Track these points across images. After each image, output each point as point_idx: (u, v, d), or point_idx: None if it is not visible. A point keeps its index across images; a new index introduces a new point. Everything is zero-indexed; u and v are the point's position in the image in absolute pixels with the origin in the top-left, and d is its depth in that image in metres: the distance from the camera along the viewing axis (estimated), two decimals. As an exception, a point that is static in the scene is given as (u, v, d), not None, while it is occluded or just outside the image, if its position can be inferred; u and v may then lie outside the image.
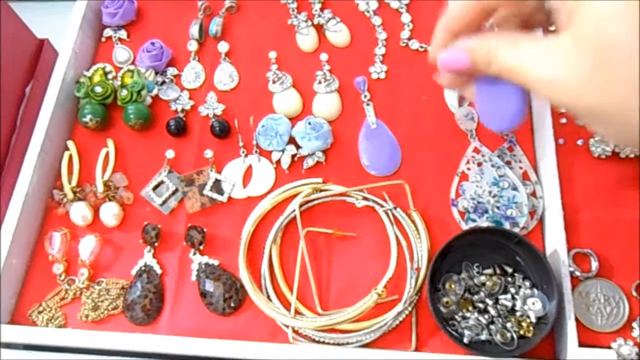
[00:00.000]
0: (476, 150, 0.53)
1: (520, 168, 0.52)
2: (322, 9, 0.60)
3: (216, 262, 0.50)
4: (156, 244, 0.51)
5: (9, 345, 0.47)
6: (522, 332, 0.45)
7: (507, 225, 0.49)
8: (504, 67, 0.33)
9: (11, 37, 0.60)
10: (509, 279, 0.47)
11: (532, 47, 0.31)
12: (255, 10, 0.62)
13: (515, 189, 0.51)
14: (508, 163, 0.52)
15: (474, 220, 0.51)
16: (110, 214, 0.51)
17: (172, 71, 0.58)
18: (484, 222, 0.50)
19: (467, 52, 0.36)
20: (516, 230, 0.49)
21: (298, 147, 0.53)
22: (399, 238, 0.49)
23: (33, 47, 0.66)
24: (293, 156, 0.53)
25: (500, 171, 0.52)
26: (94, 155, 0.54)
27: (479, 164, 0.53)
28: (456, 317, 0.46)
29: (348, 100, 0.56)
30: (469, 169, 0.53)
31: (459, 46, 0.36)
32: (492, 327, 0.45)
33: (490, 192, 0.51)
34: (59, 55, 0.57)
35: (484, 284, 0.46)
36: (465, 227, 0.50)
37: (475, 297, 0.46)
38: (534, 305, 0.45)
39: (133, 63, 0.59)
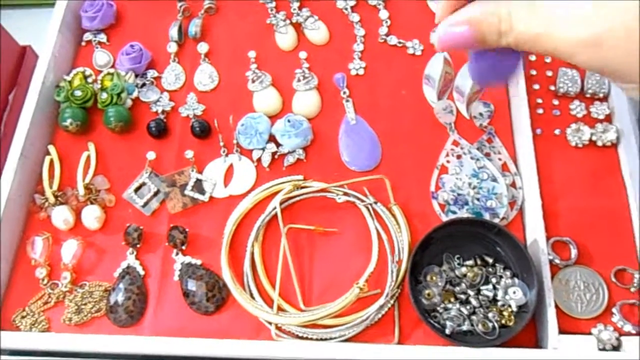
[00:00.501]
0: (455, 143, 0.54)
1: (500, 159, 0.53)
2: (300, 8, 0.60)
3: (199, 262, 0.50)
4: (138, 246, 0.51)
5: (-6, 351, 0.47)
6: (503, 321, 0.45)
7: (487, 216, 0.50)
8: (523, 37, 0.29)
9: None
10: (490, 269, 0.47)
11: (556, 8, 0.27)
12: (234, 10, 0.62)
13: (494, 180, 0.51)
14: (487, 155, 0.53)
15: (454, 212, 0.51)
16: (92, 217, 0.51)
17: (152, 73, 0.59)
18: (464, 214, 0.50)
19: (471, 26, 0.30)
20: (496, 220, 0.49)
21: (278, 145, 0.54)
22: (380, 232, 0.50)
23: (15, 54, 0.66)
24: (273, 154, 0.54)
25: (480, 163, 0.52)
26: (75, 159, 0.55)
27: (458, 157, 0.53)
28: (438, 308, 0.46)
29: (327, 97, 0.57)
30: (448, 161, 0.53)
31: (460, 19, 0.30)
32: (473, 317, 0.45)
33: (470, 184, 0.51)
34: (38, 59, 0.57)
35: (465, 275, 0.47)
36: (445, 219, 0.51)
37: (457, 288, 0.46)
38: (514, 295, 0.45)
39: (113, 66, 0.59)
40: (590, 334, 0.44)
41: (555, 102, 0.54)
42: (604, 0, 0.26)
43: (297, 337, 0.47)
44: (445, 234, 0.48)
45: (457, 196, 0.51)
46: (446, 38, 0.31)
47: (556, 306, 0.45)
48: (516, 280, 0.46)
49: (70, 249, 0.50)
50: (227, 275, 0.48)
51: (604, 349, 0.44)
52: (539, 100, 0.54)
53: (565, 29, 0.27)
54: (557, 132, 0.52)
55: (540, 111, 0.53)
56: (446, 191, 0.52)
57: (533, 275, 0.44)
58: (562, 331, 0.44)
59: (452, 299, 0.46)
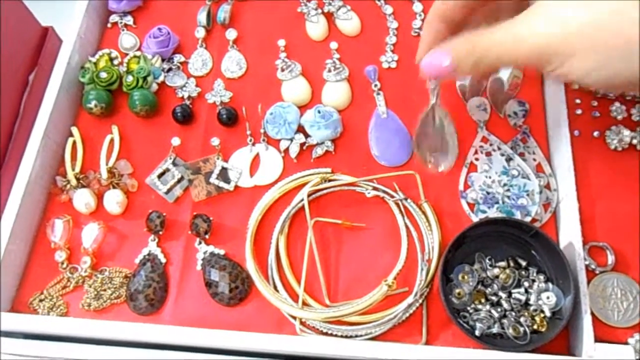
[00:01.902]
0: (484, 140, 0.52)
1: (534, 160, 0.51)
2: (332, -3, 0.59)
3: (222, 252, 0.49)
4: (161, 233, 0.49)
5: (9, 334, 0.46)
6: (535, 326, 0.44)
7: (518, 215, 0.48)
8: (485, 50, 0.38)
9: (15, 25, 0.59)
10: (523, 272, 0.45)
11: (508, 24, 0.37)
12: (264, -3, 0.61)
13: (526, 177, 0.50)
14: (521, 155, 0.51)
15: (484, 212, 0.49)
16: (114, 201, 0.50)
17: (178, 58, 0.57)
18: (494, 213, 0.49)
19: (449, 52, 0.40)
20: (528, 219, 0.48)
21: (307, 135, 0.52)
22: (410, 229, 0.48)
23: (37, 34, 0.65)
24: (301, 145, 0.52)
25: (511, 160, 0.51)
26: (98, 142, 0.53)
27: (488, 154, 0.52)
28: (468, 309, 0.44)
29: (358, 90, 0.55)
30: (477, 159, 0.52)
31: (440, 48, 0.40)
32: (504, 320, 0.44)
33: (500, 182, 0.50)
34: (63, 40, 0.56)
35: (497, 277, 0.45)
36: (475, 219, 0.49)
37: (488, 289, 0.45)
38: (548, 300, 0.44)
39: (139, 49, 0.58)
40: (626, 343, 0.43)
41: (594, 103, 0.52)
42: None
43: (322, 333, 0.45)
44: (479, 233, 0.46)
45: (487, 195, 0.50)
46: (429, 64, 0.41)
47: (591, 314, 0.43)
48: (550, 285, 0.44)
49: (91, 233, 0.49)
50: (251, 266, 0.47)
51: (640, 359, 0.42)
52: (578, 101, 0.52)
53: (514, 35, 0.36)
54: (595, 134, 0.51)
55: (579, 112, 0.52)
56: (475, 190, 0.50)
57: (569, 281, 0.43)
58: (597, 339, 0.42)
59: (483, 300, 0.45)
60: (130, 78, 0.54)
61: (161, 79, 0.56)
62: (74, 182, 0.51)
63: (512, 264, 0.46)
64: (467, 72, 0.41)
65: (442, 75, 0.42)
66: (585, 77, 0.36)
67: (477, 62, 0.39)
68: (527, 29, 0.36)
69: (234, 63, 0.57)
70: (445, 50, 0.40)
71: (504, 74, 0.53)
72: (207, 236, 0.49)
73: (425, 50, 0.43)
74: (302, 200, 0.49)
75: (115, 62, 0.57)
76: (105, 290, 0.48)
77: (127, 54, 0.57)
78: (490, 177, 0.50)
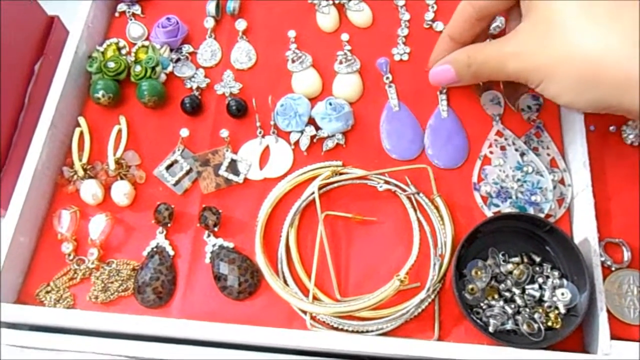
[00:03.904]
0: (499, 134, 0.52)
1: (548, 155, 0.50)
2: (343, -12, 0.58)
3: (231, 245, 0.48)
4: (169, 225, 0.49)
5: (15, 326, 0.45)
6: (549, 323, 0.43)
7: (531, 211, 0.48)
8: (480, 64, 0.44)
9: (21, 14, 0.58)
10: (537, 268, 0.45)
11: (499, 42, 0.43)
12: (274, -12, 0.60)
13: (539, 173, 0.49)
14: (535, 149, 0.50)
15: (496, 206, 0.49)
16: (121, 192, 0.50)
17: (187, 48, 0.56)
18: (507, 208, 0.48)
19: (450, 64, 0.46)
20: (541, 216, 0.47)
21: (317, 128, 0.52)
22: (422, 223, 0.48)
23: (43, 24, 0.64)
24: (312, 137, 0.51)
25: (525, 155, 0.50)
26: (106, 132, 0.53)
27: (502, 148, 0.51)
28: (481, 305, 0.44)
29: (369, 82, 0.54)
30: (491, 152, 0.51)
31: (443, 61, 0.48)
32: (518, 317, 0.43)
33: (513, 177, 0.49)
34: (71, 29, 0.55)
35: (510, 273, 0.44)
36: (488, 212, 0.48)
37: (502, 285, 0.44)
38: (563, 297, 0.43)
39: (147, 39, 0.57)
40: (643, 340, 0.42)
41: (611, 97, 0.51)
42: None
43: (332, 328, 0.45)
44: (492, 229, 0.45)
45: (500, 189, 0.49)
46: (435, 74, 0.49)
47: (607, 311, 0.42)
48: (565, 281, 0.44)
49: (98, 225, 0.48)
50: (260, 260, 0.47)
51: (657, 357, 0.42)
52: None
53: (504, 50, 0.43)
54: (611, 129, 0.50)
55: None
56: (489, 183, 0.49)
57: (585, 278, 0.42)
58: (612, 337, 0.42)
59: (496, 296, 0.44)
60: (138, 68, 0.54)
61: (170, 69, 0.55)
62: (81, 173, 0.51)
63: (526, 259, 0.45)
64: (469, 82, 0.48)
65: (448, 84, 0.49)
66: (557, 98, 0.41)
67: (475, 74, 0.45)
68: (511, 49, 0.41)
69: (243, 54, 0.56)
70: (448, 62, 0.47)
71: None
72: (216, 229, 0.48)
73: (434, 62, 0.50)
74: (313, 193, 0.48)
75: (123, 51, 0.56)
76: (112, 282, 0.47)
77: (135, 44, 0.56)
78: (504, 172, 0.50)
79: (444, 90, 0.53)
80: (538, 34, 0.40)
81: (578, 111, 0.49)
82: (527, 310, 0.43)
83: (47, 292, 0.47)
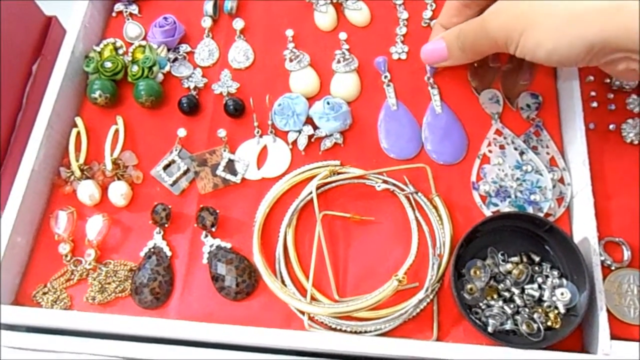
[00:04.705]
0: (498, 133, 0.51)
1: (548, 154, 0.50)
2: (341, -13, 0.58)
3: (229, 245, 0.48)
4: (166, 225, 0.49)
5: (12, 327, 0.45)
6: (549, 323, 0.43)
7: (530, 210, 0.47)
8: (466, 32, 0.45)
9: (18, 14, 0.58)
10: (536, 267, 0.44)
11: (485, 12, 0.44)
12: (272, -13, 0.59)
13: (539, 172, 0.49)
14: (534, 148, 0.50)
15: (495, 205, 0.48)
16: (118, 193, 0.49)
17: (184, 48, 0.56)
18: (506, 207, 0.48)
19: (442, 40, 0.48)
20: (540, 215, 0.47)
21: (315, 127, 0.51)
22: (421, 223, 0.47)
23: (41, 24, 0.64)
24: (310, 137, 0.51)
25: (524, 154, 0.50)
26: (103, 133, 0.52)
27: (501, 147, 0.50)
28: (480, 305, 0.44)
29: (368, 81, 0.54)
30: (490, 151, 0.51)
31: (435, 38, 0.49)
32: (517, 317, 0.43)
33: (512, 176, 0.49)
34: (67, 29, 0.55)
35: (509, 272, 0.44)
36: (487, 211, 0.48)
37: (501, 285, 0.44)
38: (562, 296, 0.43)
39: (144, 39, 0.57)
40: (643, 340, 0.42)
41: (610, 95, 0.51)
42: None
43: (330, 328, 0.44)
44: (491, 228, 0.45)
45: (499, 188, 0.49)
46: (428, 50, 0.50)
47: (607, 310, 0.42)
48: (564, 281, 0.43)
49: (95, 225, 0.48)
50: (258, 260, 0.46)
51: (657, 357, 0.41)
52: (593, 93, 0.51)
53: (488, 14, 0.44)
54: (611, 127, 0.50)
55: (594, 105, 0.51)
56: (488, 182, 0.49)
57: (584, 277, 0.42)
58: (612, 337, 0.41)
59: (495, 296, 0.44)
60: (135, 68, 0.53)
61: (167, 69, 0.55)
62: (78, 173, 0.50)
63: (525, 259, 0.45)
64: (457, 56, 0.48)
65: (437, 61, 0.50)
66: (539, 47, 0.40)
67: (462, 45, 0.46)
68: (492, 9, 0.43)
69: (241, 53, 0.56)
70: (440, 37, 0.49)
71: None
72: (213, 229, 0.48)
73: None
74: (311, 193, 0.48)
75: (120, 51, 0.56)
76: (109, 283, 0.47)
77: (132, 44, 0.56)
78: (503, 171, 0.49)
79: (435, 84, 0.53)
80: None
81: (562, 65, 0.47)
82: (527, 310, 0.43)
83: (44, 293, 0.47)
